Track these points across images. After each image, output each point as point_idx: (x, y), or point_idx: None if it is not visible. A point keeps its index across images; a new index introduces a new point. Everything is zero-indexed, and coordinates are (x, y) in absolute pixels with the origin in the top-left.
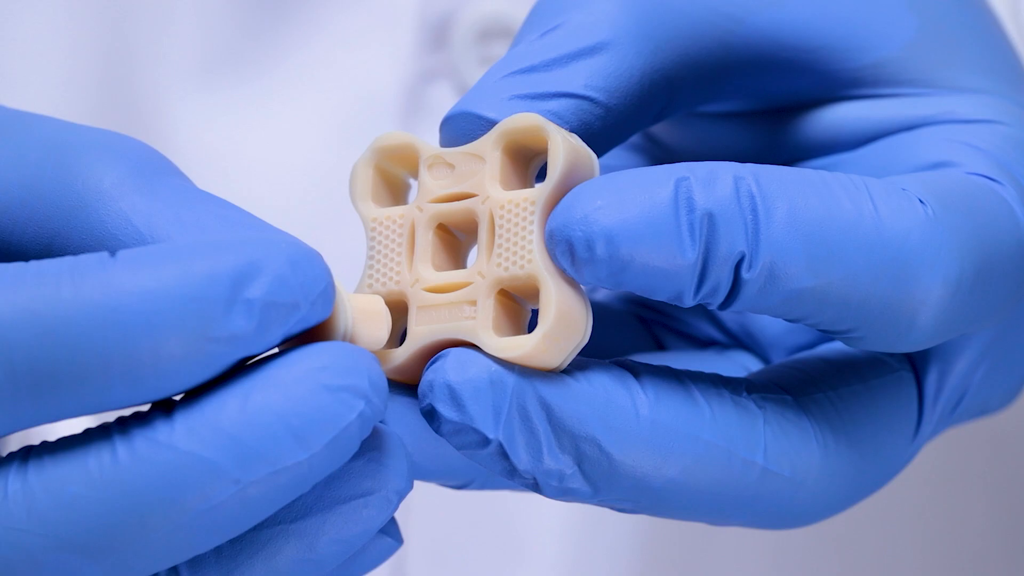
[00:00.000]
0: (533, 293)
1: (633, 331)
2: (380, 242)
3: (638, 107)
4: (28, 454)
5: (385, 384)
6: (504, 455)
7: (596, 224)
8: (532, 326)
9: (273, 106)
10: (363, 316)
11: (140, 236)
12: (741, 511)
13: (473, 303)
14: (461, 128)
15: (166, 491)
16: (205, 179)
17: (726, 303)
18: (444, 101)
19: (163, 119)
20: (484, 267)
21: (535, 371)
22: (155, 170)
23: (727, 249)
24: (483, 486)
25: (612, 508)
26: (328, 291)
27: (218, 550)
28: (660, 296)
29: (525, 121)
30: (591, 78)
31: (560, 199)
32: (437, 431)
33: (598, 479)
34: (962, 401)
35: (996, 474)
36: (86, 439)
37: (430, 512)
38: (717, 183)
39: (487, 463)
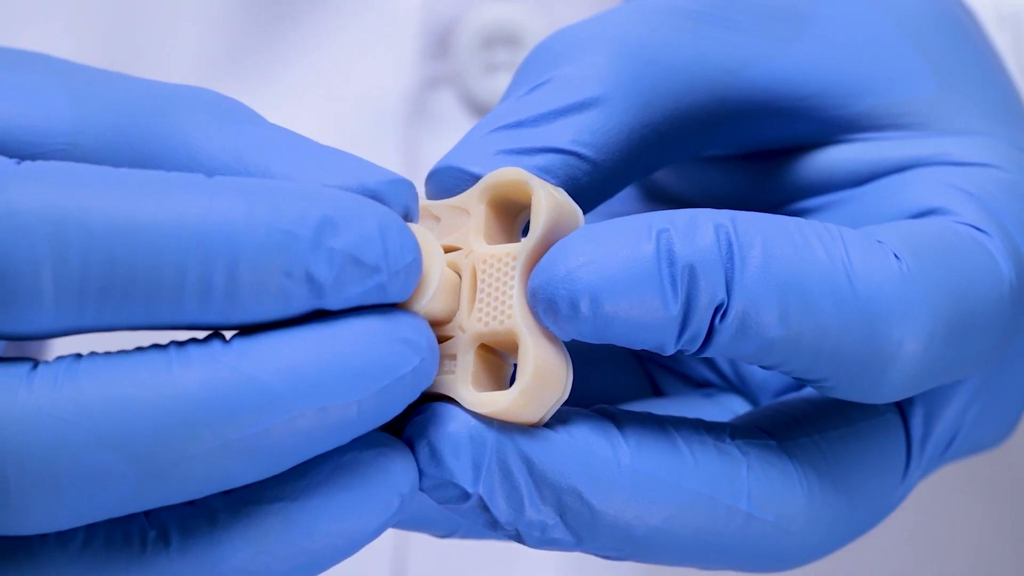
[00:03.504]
0: (514, 348)
1: (627, 369)
2: None
3: (628, 162)
4: (80, 357)
5: (437, 351)
6: (485, 508)
7: (580, 282)
8: (514, 380)
9: (277, 113)
10: (448, 286)
11: (236, 161)
12: (726, 557)
13: (453, 357)
14: (446, 182)
15: (217, 405)
16: None
17: (700, 350)
18: (448, 108)
19: None
20: (465, 321)
21: (515, 425)
22: (242, 115)
23: (708, 299)
24: (467, 535)
25: (596, 555)
26: (413, 268)
27: (212, 518)
28: (642, 346)
29: (509, 175)
30: (579, 134)
31: (543, 254)
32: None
33: (580, 529)
34: (953, 442)
35: (993, 476)
36: (142, 352)
37: None
38: (697, 233)
39: (468, 516)
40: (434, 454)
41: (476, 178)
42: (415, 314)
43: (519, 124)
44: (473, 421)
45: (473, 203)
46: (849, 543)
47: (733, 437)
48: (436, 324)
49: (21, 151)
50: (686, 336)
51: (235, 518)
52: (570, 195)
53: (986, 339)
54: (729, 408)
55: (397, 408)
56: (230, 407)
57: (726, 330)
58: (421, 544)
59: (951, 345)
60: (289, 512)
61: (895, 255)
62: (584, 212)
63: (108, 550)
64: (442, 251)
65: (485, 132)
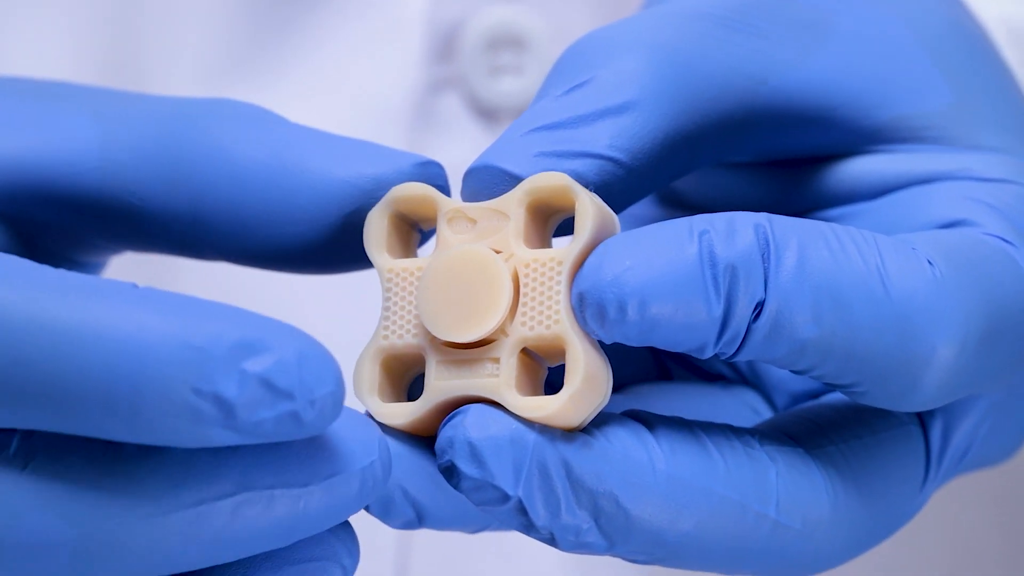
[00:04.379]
0: (554, 353)
1: (640, 358)
2: (397, 294)
3: (658, 168)
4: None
5: (388, 456)
6: (523, 511)
7: (627, 286)
8: (547, 384)
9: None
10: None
11: (273, 158)
12: (751, 562)
13: (496, 360)
14: (484, 181)
15: (161, 478)
16: None
17: (736, 352)
18: (453, 111)
19: None
20: (508, 325)
21: (555, 429)
22: (269, 117)
23: (748, 300)
24: (499, 528)
25: (625, 559)
26: (330, 400)
27: None
28: (683, 349)
29: (552, 180)
30: (616, 138)
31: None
32: (456, 487)
33: (614, 534)
34: (967, 455)
35: (996, 482)
36: None
37: None
38: (737, 234)
39: (505, 518)
40: (475, 455)
41: (514, 178)
42: (368, 420)
43: (557, 125)
44: (515, 424)
45: (513, 207)
46: (866, 551)
47: (761, 443)
48: None
49: (56, 180)
50: (726, 337)
51: None
52: (602, 199)
53: (1014, 349)
54: (744, 401)
55: (345, 509)
56: (174, 481)
57: (760, 330)
58: (424, 539)
59: (982, 353)
60: None
61: (928, 261)
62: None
63: None
64: (507, 273)
65: (523, 132)
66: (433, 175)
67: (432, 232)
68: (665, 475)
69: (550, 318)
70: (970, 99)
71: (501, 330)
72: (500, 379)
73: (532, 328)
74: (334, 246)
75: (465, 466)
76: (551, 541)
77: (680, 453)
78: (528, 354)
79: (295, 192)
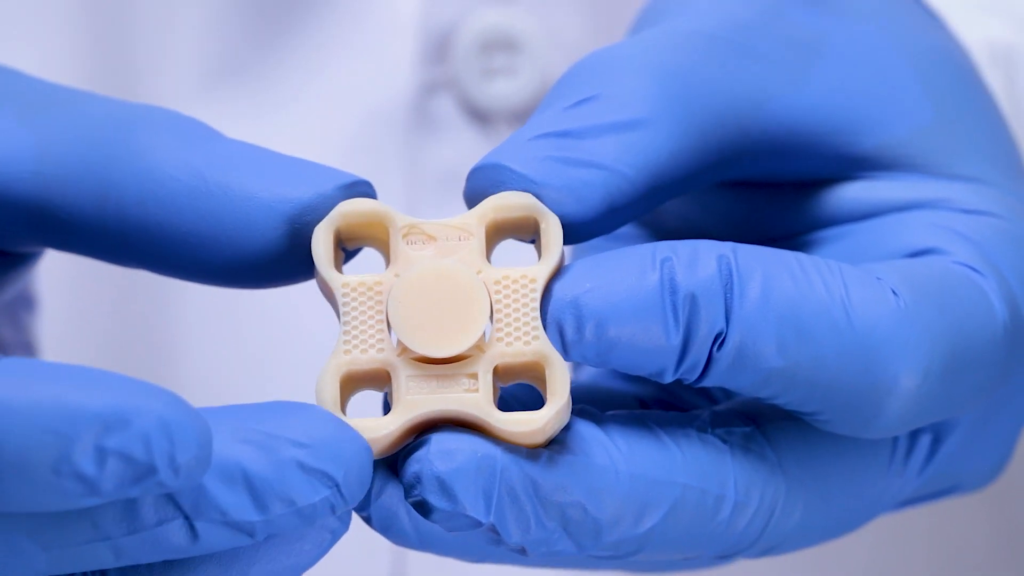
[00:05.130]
0: (523, 370)
1: (622, 403)
2: (356, 308)
3: (658, 188)
4: None
5: (368, 478)
6: (495, 532)
7: (585, 307)
8: (503, 403)
9: (274, 119)
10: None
11: (197, 179)
12: (712, 544)
13: (472, 376)
14: (491, 179)
15: (120, 506)
16: None
17: (699, 379)
18: (446, 113)
19: None
20: (482, 341)
21: (516, 448)
22: (201, 133)
23: (707, 329)
24: (500, 561)
25: (594, 558)
26: (193, 463)
27: (149, 567)
28: (642, 372)
29: (520, 200)
30: (624, 153)
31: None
32: (428, 519)
33: (583, 539)
34: (935, 457)
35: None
36: None
37: None
38: (699, 264)
39: (475, 538)
40: (445, 488)
41: (521, 178)
42: (346, 435)
43: (566, 134)
44: (479, 449)
45: (475, 224)
46: (830, 538)
47: (713, 426)
48: None
49: None
50: (685, 364)
51: (171, 567)
52: (604, 212)
53: (980, 377)
54: None
55: (309, 527)
56: (132, 508)
57: (723, 359)
58: None
59: (946, 382)
60: (222, 559)
61: (893, 291)
62: (608, 231)
63: None
64: (485, 289)
65: (531, 136)
66: (361, 195)
67: (354, 253)
68: (627, 475)
69: (528, 334)
70: (951, 122)
71: (476, 346)
72: (480, 395)
73: (510, 344)
74: (262, 265)
75: (436, 500)
76: (522, 554)
77: (638, 450)
78: (495, 371)
79: (218, 215)
